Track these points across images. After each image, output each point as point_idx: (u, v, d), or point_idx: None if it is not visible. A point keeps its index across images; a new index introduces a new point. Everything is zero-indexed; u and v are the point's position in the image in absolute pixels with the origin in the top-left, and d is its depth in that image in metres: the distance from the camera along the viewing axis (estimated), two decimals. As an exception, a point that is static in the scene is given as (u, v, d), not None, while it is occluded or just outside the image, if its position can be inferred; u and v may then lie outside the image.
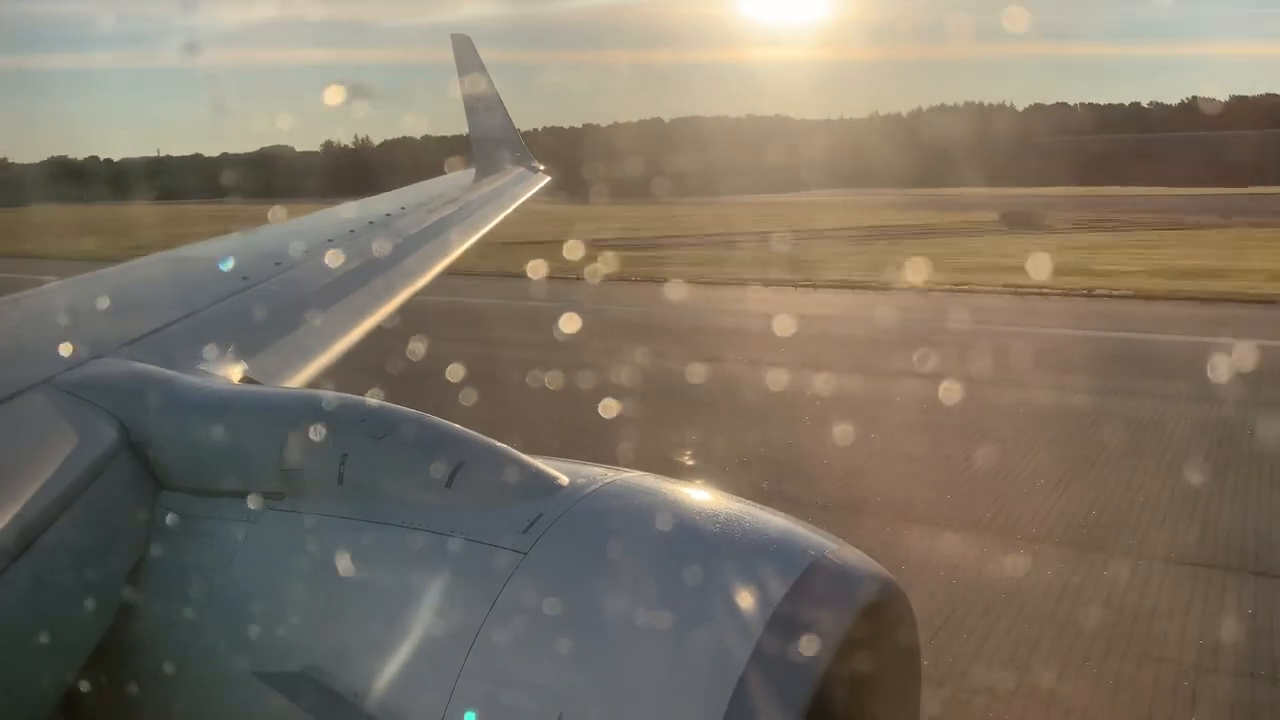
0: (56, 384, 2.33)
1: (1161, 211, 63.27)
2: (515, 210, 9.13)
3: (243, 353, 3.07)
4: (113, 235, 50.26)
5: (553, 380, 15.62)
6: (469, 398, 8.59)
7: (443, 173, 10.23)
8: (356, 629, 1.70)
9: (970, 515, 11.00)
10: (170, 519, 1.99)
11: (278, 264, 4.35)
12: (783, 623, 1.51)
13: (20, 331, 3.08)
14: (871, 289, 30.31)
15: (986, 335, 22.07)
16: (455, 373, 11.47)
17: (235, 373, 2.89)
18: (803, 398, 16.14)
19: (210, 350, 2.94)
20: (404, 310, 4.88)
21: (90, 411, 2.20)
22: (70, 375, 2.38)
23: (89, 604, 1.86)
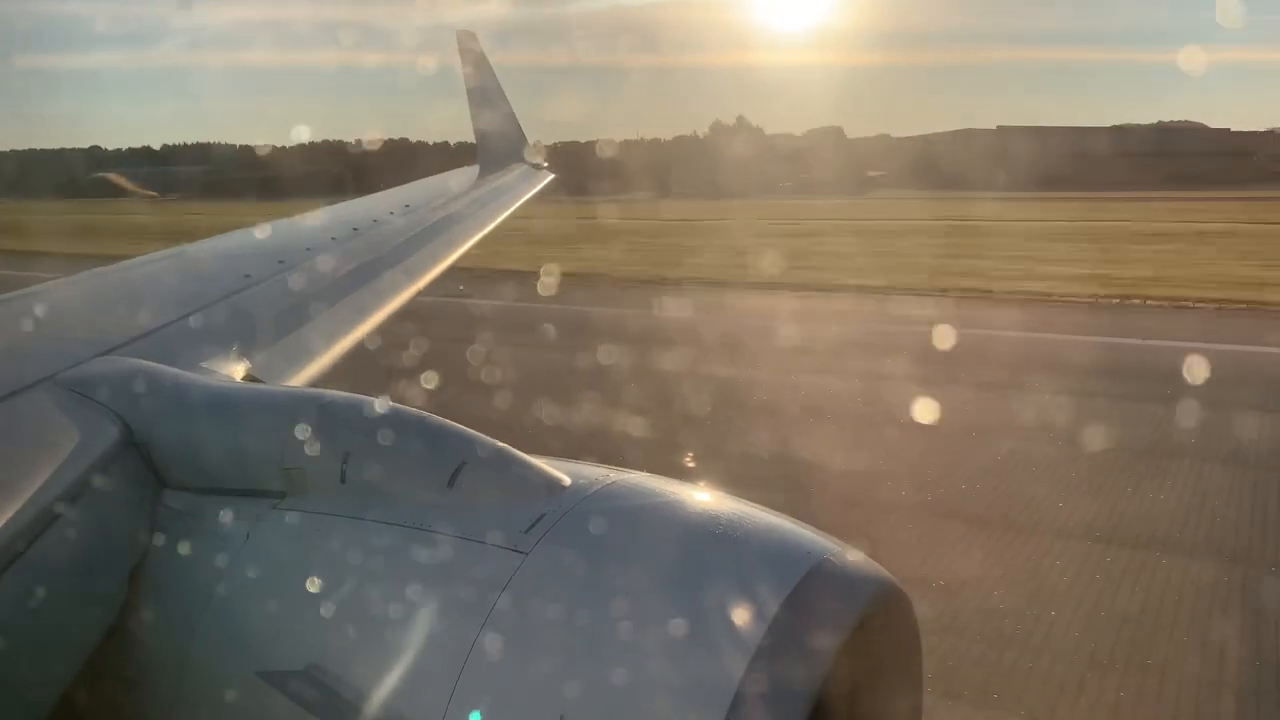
0: (59, 381, 2.33)
1: None
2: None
3: (246, 351, 3.07)
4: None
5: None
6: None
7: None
8: (358, 628, 1.70)
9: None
10: (172, 517, 1.98)
11: (281, 262, 4.36)
12: (784, 626, 1.50)
13: (23, 328, 3.08)
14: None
15: None
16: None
17: (238, 371, 2.89)
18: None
19: (213, 348, 2.94)
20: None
21: (93, 409, 2.20)
22: (73, 372, 2.38)
23: (91, 602, 1.86)
